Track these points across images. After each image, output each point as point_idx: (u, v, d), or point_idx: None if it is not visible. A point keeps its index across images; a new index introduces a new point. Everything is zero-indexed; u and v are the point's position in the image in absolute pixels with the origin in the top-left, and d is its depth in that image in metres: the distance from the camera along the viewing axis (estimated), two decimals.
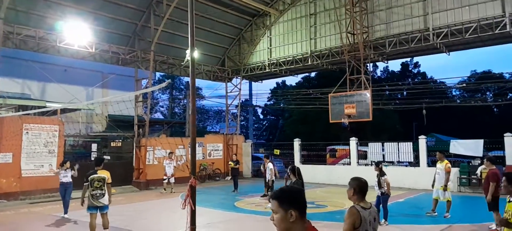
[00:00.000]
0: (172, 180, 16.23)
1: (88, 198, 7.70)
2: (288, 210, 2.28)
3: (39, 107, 15.40)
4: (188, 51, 4.50)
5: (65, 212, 10.76)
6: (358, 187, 3.67)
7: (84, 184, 7.77)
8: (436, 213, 10.31)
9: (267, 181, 13.83)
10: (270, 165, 13.07)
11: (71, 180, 10.92)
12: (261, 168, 17.47)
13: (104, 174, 7.85)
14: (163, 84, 6.05)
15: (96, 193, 7.68)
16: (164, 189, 16.30)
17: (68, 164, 11.06)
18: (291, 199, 2.33)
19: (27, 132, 14.65)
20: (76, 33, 16.87)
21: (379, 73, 46.18)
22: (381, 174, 9.42)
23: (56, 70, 21.34)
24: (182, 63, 20.15)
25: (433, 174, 10.65)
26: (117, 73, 23.18)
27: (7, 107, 17.03)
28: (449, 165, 10.39)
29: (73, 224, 9.92)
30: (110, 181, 7.94)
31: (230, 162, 20.02)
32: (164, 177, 16.31)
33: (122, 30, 19.52)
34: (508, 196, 4.19)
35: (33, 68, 20.30)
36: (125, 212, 11.11)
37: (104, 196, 7.75)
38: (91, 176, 7.73)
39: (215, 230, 9.08)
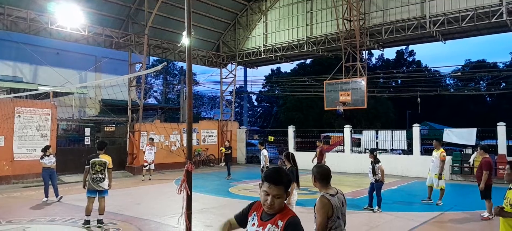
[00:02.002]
0: (152, 166, 15.66)
1: (88, 181, 7.68)
2: (284, 192, 2.41)
3: (31, 90, 15.20)
4: (184, 33, 4.40)
5: (56, 195, 10.73)
6: (318, 174, 3.67)
7: (86, 166, 7.75)
8: (431, 201, 10.40)
9: (261, 167, 13.80)
10: (264, 152, 13.05)
11: (54, 165, 10.90)
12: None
13: (105, 158, 7.82)
14: (159, 67, 5.95)
15: (96, 177, 7.65)
16: (143, 176, 15.80)
17: (51, 150, 11.10)
18: (286, 182, 2.42)
19: (19, 115, 14.46)
20: (68, 15, 16.56)
21: (374, 61, 46.24)
22: (376, 161, 9.45)
23: (48, 53, 21.01)
24: (179, 44, 19.90)
25: (428, 162, 10.71)
26: (111, 57, 22.89)
27: None
28: (444, 153, 10.44)
29: (65, 207, 9.87)
30: (111, 166, 7.91)
31: (221, 148, 19.99)
32: (144, 164, 15.74)
33: (116, 13, 19.21)
34: (510, 184, 4.20)
35: (25, 51, 19.96)
36: (119, 197, 11.07)
37: (104, 180, 7.73)
38: (93, 160, 7.69)
39: (209, 215, 9.08)
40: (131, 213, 9.21)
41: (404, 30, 17.96)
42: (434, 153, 10.53)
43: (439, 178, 10.18)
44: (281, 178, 2.39)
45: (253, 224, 2.47)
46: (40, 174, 11.36)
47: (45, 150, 10.92)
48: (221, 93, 25.60)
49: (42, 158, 10.80)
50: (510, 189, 4.10)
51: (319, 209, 3.45)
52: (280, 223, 2.31)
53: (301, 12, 21.50)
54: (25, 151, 14.53)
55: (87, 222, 7.74)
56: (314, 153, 15.56)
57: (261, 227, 2.39)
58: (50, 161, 10.77)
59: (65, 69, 21.34)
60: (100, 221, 7.84)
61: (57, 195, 10.75)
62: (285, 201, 7.07)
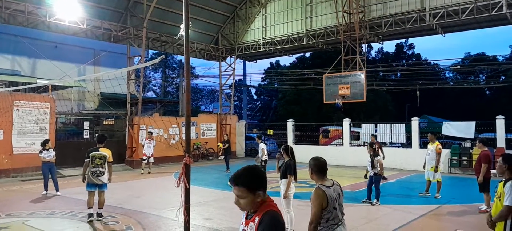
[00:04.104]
0: (152, 160, 15.63)
1: (88, 175, 7.63)
2: (257, 192, 2.30)
3: (29, 84, 15.16)
4: (182, 26, 4.38)
5: (57, 189, 10.75)
6: (315, 166, 3.74)
7: (85, 160, 7.69)
8: (429, 194, 10.45)
9: (260, 161, 13.82)
10: (261, 145, 13.10)
11: (54, 159, 10.89)
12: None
13: (105, 152, 7.77)
14: (156, 60, 5.92)
15: (96, 171, 7.60)
16: (142, 169, 15.77)
17: (50, 143, 11.10)
18: (260, 182, 2.33)
19: (17, 109, 14.44)
20: (67, 8, 16.47)
21: (373, 54, 46.15)
22: (375, 154, 9.46)
23: (46, 47, 20.91)
24: (176, 37, 19.83)
25: (424, 155, 10.77)
26: (109, 51, 22.79)
27: None
28: (440, 146, 10.47)
29: (65, 201, 9.89)
30: (111, 159, 7.87)
31: (219, 144, 20.07)
32: (144, 157, 15.70)
33: (114, 6, 19.10)
34: (501, 176, 4.21)
35: (23, 44, 19.87)
36: (118, 191, 11.09)
37: (103, 174, 7.68)
38: (92, 153, 7.64)
39: (208, 208, 9.11)
40: (130, 206, 9.23)
41: (403, 23, 17.91)
42: (429, 146, 10.57)
43: (435, 170, 10.22)
44: (239, 179, 2.32)
45: (242, 223, 2.46)
46: (39, 167, 11.39)
47: (44, 144, 10.90)
48: (220, 86, 25.56)
49: (41, 152, 10.80)
50: (501, 181, 4.12)
51: (313, 200, 3.55)
52: (257, 219, 2.28)
53: (301, 5, 21.39)
54: (24, 145, 14.53)
55: (90, 216, 7.67)
56: (373, 150, 14.19)
57: (246, 226, 2.36)
58: (49, 155, 10.77)
59: (63, 62, 21.26)
60: (99, 215, 7.82)
61: (57, 189, 10.76)
62: (283, 194, 6.96)
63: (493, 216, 4.00)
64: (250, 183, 2.31)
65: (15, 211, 8.66)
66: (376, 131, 18.89)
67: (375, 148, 9.66)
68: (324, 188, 3.58)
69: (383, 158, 13.67)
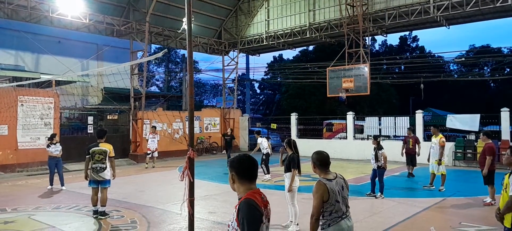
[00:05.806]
0: (156, 154, 15.74)
1: (89, 171, 7.42)
2: (230, 173, 2.56)
3: (33, 79, 15.22)
4: (184, 20, 4.36)
5: (62, 184, 10.81)
6: (318, 160, 3.76)
7: (86, 156, 7.45)
8: (433, 187, 10.43)
9: (262, 155, 13.80)
10: (259, 140, 13.15)
11: (60, 154, 10.92)
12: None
13: (106, 147, 7.49)
14: (159, 54, 5.91)
15: (96, 167, 7.37)
16: (146, 164, 15.84)
17: (57, 138, 11.08)
18: (233, 165, 2.57)
19: (22, 104, 14.51)
20: (69, 3, 16.47)
21: (377, 47, 45.88)
22: (379, 147, 9.44)
23: (50, 42, 20.96)
24: (179, 31, 19.78)
25: (429, 148, 10.73)
26: (112, 45, 22.81)
27: (0, 79, 16.82)
28: (443, 139, 10.41)
29: (70, 195, 9.95)
30: (112, 154, 7.56)
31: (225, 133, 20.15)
32: (148, 152, 15.78)
33: (116, 1, 19.08)
34: (509, 168, 4.19)
35: (26, 40, 19.92)
36: (122, 185, 11.15)
37: (104, 170, 7.41)
38: (93, 149, 7.40)
39: (212, 202, 9.14)
40: (135, 200, 9.28)
41: (407, 16, 17.77)
42: (433, 139, 10.53)
43: (439, 163, 10.19)
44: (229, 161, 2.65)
45: None
46: (44, 162, 11.45)
47: (51, 138, 10.92)
48: (223, 81, 25.52)
49: (48, 146, 10.83)
50: (507, 174, 4.09)
51: (314, 193, 3.59)
52: (238, 206, 2.47)
53: None
54: (29, 140, 14.61)
55: (95, 212, 7.53)
56: (403, 143, 13.26)
57: (234, 209, 2.54)
58: (57, 149, 10.79)
59: (67, 57, 21.31)
60: (101, 213, 7.51)
61: (62, 184, 10.82)
62: (288, 187, 6.98)
63: (501, 208, 3.99)
64: (231, 164, 2.59)
65: (21, 206, 8.73)
66: (380, 124, 18.85)
67: (379, 141, 9.63)
68: (325, 181, 3.60)
69: (419, 154, 12.76)
